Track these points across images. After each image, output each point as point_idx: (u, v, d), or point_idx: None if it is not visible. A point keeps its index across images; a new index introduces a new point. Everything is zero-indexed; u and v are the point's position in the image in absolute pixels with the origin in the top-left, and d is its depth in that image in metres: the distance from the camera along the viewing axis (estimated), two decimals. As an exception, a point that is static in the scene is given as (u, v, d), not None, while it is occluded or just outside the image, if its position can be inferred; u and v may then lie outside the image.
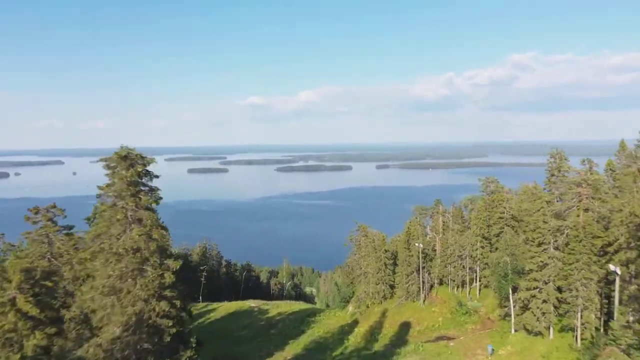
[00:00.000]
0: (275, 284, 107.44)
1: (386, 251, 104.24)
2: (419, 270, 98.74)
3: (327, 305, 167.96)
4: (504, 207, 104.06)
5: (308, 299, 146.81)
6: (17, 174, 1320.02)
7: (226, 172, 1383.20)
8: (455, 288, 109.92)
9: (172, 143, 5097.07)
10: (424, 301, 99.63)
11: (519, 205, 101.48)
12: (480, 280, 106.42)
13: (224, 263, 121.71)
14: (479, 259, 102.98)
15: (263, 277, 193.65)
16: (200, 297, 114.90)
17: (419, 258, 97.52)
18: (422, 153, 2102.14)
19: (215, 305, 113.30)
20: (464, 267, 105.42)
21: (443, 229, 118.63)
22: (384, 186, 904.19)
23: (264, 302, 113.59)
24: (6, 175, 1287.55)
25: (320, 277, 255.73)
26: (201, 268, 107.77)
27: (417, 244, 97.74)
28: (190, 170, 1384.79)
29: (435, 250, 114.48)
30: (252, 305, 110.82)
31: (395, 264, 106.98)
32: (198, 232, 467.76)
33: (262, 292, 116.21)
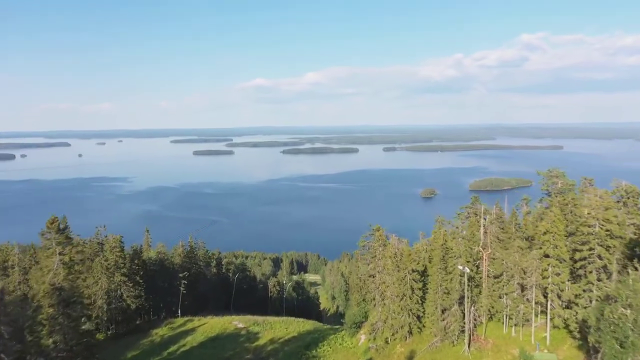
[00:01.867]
0: (274, 286, 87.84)
1: (413, 271, 75.29)
2: (461, 301, 72.49)
3: (338, 312, 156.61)
4: (593, 218, 65.65)
5: (311, 305, 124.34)
6: (23, 156, 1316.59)
7: (232, 155, 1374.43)
8: (513, 327, 76.46)
9: (178, 125, 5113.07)
10: (469, 346, 71.93)
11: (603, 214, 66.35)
12: (551, 318, 71.16)
13: (214, 263, 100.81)
14: (552, 291, 68.60)
15: (265, 270, 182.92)
16: (179, 311, 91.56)
17: (461, 285, 71.66)
18: (430, 135, 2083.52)
19: (196, 322, 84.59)
20: (527, 299, 72.46)
21: (490, 241, 78.46)
22: (391, 169, 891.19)
23: (255, 319, 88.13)
24: (12, 157, 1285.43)
25: (326, 264, 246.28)
26: (181, 275, 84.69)
27: (460, 267, 70.70)
28: (196, 152, 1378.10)
29: (477, 268, 79.71)
30: (240, 325, 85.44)
31: (425, 287, 78.38)
32: (201, 215, 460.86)
33: (258, 296, 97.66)
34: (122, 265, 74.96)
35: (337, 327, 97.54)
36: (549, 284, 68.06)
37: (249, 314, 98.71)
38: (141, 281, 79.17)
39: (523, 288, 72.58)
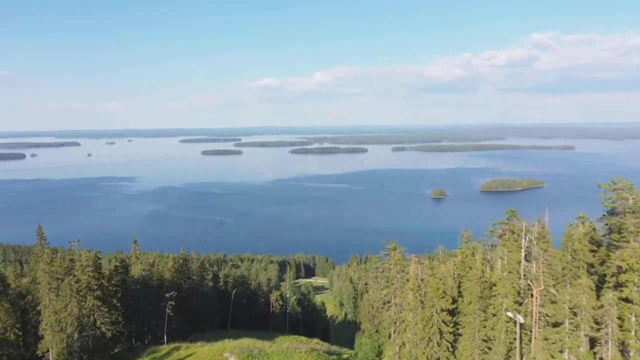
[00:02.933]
0: (276, 300, 77.96)
1: (442, 310, 56.99)
2: (509, 356, 54.77)
3: (346, 320, 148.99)
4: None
5: (318, 317, 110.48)
6: (33, 155, 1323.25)
7: (240, 154, 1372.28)
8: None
9: (187, 125, 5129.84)
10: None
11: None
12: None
13: (210, 276, 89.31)
14: (637, 350, 47.57)
15: (271, 274, 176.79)
16: (165, 337, 78.76)
17: (508, 334, 54.17)
18: (439, 135, 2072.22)
19: (182, 351, 64.41)
20: (601, 359, 50.26)
21: (542, 272, 54.19)
22: (400, 169, 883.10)
23: (250, 349, 69.38)
24: (22, 156, 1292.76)
25: (334, 268, 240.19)
26: (168, 295, 69.50)
27: (509, 313, 52.73)
28: (204, 152, 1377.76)
29: (525, 309, 56.04)
30: (231, 359, 65.86)
31: (456, 328, 59.96)
32: (207, 216, 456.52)
33: (259, 311, 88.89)
34: (96, 287, 63.56)
35: (345, 355, 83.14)
36: (631, 340, 47.92)
37: (249, 330, 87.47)
38: (119, 305, 66.63)
39: (593, 342, 51.05)
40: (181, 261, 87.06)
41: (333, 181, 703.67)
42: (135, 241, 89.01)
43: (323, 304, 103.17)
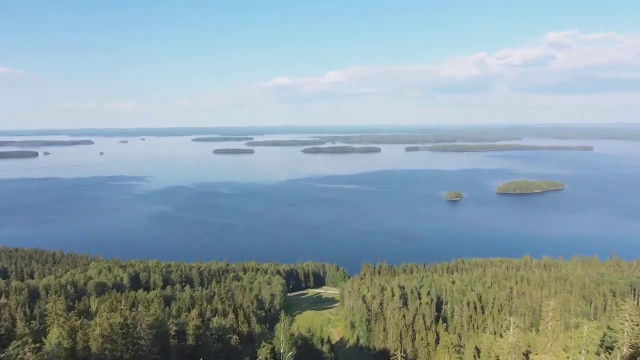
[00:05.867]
0: (266, 358, 58.84)
1: None
2: None
3: (358, 345, 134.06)
4: None
5: None
6: (46, 154, 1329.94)
7: (252, 153, 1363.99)
8: None
9: (200, 123, 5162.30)
10: None
11: None
12: None
13: (172, 331, 66.42)
14: None
15: (275, 289, 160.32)
16: None
17: None
18: (453, 135, 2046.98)
19: None
20: None
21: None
22: (414, 169, 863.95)
23: None
24: (35, 154, 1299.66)
25: (345, 277, 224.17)
26: None
27: None
28: (216, 151, 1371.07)
29: None
30: None
31: None
32: (216, 218, 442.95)
33: None
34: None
35: None
36: None
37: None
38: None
39: None
40: (125, 320, 49.45)
41: (345, 182, 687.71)
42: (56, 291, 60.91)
43: (331, 352, 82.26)
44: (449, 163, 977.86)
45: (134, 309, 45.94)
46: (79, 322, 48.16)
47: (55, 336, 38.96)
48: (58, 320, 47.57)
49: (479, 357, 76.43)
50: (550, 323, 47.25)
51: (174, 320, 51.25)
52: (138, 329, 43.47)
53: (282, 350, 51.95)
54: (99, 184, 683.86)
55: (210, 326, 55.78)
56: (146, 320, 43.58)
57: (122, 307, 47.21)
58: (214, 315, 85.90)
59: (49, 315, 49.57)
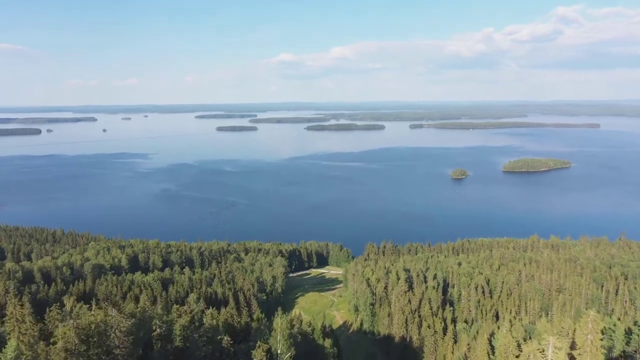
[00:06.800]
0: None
1: None
2: None
3: (362, 329, 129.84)
4: None
5: None
6: (49, 131, 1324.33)
7: (255, 131, 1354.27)
8: None
9: (204, 100, 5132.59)
10: None
11: None
12: None
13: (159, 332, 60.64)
14: None
15: (276, 271, 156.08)
16: None
17: None
18: (458, 112, 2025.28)
19: None
20: None
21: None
22: (418, 147, 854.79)
23: None
24: (38, 131, 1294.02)
25: (349, 261, 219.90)
26: None
27: None
28: (219, 129, 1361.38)
29: None
30: None
31: None
32: (219, 196, 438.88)
33: None
34: None
35: None
36: None
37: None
38: None
39: None
40: (96, 328, 40.20)
41: (349, 159, 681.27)
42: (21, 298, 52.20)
43: (333, 347, 76.71)
44: (454, 140, 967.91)
45: (113, 310, 40.19)
46: (39, 330, 42.55)
47: (11, 349, 34.16)
48: (20, 328, 42.84)
49: (493, 354, 71.25)
50: (589, 337, 41.73)
51: (158, 322, 46.14)
52: (112, 336, 38.51)
53: (279, 352, 47.21)
54: (102, 162, 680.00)
55: (202, 324, 50.99)
56: (122, 326, 38.67)
57: (92, 312, 41.72)
58: (208, 307, 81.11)
59: (7, 320, 44.88)
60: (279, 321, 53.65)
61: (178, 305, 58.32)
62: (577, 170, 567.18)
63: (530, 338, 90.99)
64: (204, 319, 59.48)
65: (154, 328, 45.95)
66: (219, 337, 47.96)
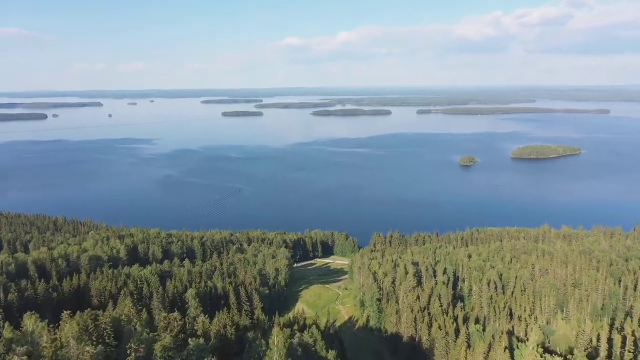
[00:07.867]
0: None
1: None
2: None
3: (368, 326, 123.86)
4: None
5: None
6: (55, 116, 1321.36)
7: (261, 116, 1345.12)
8: None
9: (210, 85, 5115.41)
10: None
11: None
12: None
13: (159, 349, 53.00)
14: None
15: (280, 263, 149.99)
16: None
17: None
18: (466, 97, 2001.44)
19: None
20: None
21: None
22: (426, 133, 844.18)
23: None
24: (44, 117, 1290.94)
25: (355, 252, 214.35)
26: None
27: None
28: (225, 114, 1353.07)
29: None
30: None
31: None
32: (224, 183, 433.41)
33: None
34: None
35: None
36: None
37: None
38: None
39: None
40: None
41: (355, 145, 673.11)
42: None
43: (341, 345, 71.14)
44: (462, 126, 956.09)
45: (83, 336, 34.42)
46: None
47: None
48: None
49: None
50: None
51: (134, 345, 40.42)
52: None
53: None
54: (107, 147, 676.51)
55: (187, 344, 45.03)
56: (86, 356, 33.04)
57: (45, 344, 35.80)
58: (205, 307, 75.79)
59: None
60: (276, 340, 47.81)
61: (167, 314, 52.53)
62: (587, 158, 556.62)
63: (549, 342, 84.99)
64: (195, 327, 53.89)
65: (128, 353, 40.21)
66: (205, 358, 42.47)
